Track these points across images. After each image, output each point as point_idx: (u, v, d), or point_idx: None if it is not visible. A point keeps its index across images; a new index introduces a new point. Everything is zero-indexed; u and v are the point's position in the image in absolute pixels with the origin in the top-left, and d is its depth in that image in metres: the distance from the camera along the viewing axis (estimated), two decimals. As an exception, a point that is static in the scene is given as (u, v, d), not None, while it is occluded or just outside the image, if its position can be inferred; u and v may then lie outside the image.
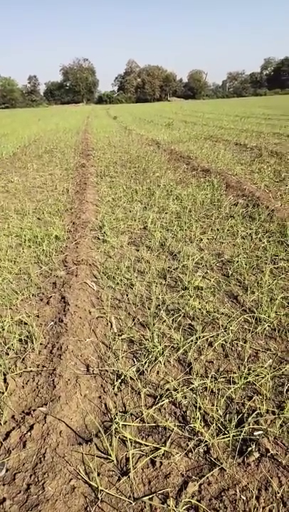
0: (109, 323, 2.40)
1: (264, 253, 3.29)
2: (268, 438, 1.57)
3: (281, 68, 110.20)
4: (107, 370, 1.98)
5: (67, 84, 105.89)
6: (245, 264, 3.09)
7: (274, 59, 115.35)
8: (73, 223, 4.28)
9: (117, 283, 2.91)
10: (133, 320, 2.45)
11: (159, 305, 2.61)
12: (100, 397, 1.81)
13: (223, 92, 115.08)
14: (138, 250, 3.54)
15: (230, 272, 3.00)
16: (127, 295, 2.76)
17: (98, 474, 1.43)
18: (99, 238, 3.85)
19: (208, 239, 3.71)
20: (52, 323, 2.36)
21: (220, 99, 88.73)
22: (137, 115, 28.42)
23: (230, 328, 2.29)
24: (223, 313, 2.47)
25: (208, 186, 5.58)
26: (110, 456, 1.50)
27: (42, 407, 1.71)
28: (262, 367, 1.97)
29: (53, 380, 1.84)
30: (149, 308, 2.56)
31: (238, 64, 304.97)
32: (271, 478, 1.41)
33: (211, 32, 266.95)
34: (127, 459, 1.50)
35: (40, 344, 2.19)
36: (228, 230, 3.89)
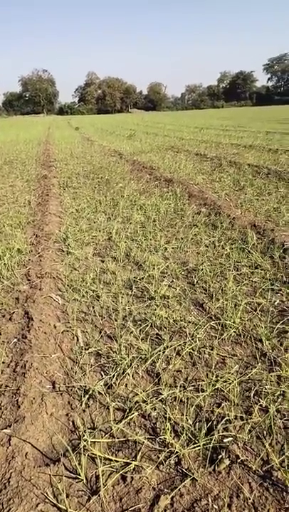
0: (75, 337, 2.35)
1: (227, 260, 3.36)
2: (238, 444, 1.58)
3: (236, 81, 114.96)
4: (74, 386, 1.93)
5: (27, 95, 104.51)
6: (210, 272, 3.14)
7: (229, 72, 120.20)
8: (36, 236, 4.18)
9: (83, 295, 2.86)
10: (100, 332, 2.41)
11: (126, 316, 2.59)
12: (67, 414, 1.75)
13: (182, 104, 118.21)
14: (103, 261, 3.51)
15: (196, 280, 3.04)
16: (93, 307, 2.72)
17: (67, 495, 1.38)
18: (63, 250, 3.79)
19: (172, 248, 3.75)
20: (15, 340, 2.28)
21: (180, 111, 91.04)
22: (99, 126, 28.52)
23: (198, 336, 2.31)
24: (189, 322, 2.49)
25: (171, 196, 5.67)
26: (79, 475, 1.45)
27: (6, 428, 1.63)
28: (229, 373, 1.99)
29: (17, 400, 1.77)
30: (116, 320, 2.53)
31: (195, 77, 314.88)
32: (242, 484, 1.42)
33: (168, 44, 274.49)
34: (97, 477, 1.46)
35: (3, 363, 2.10)
36: (192, 239, 3.96)
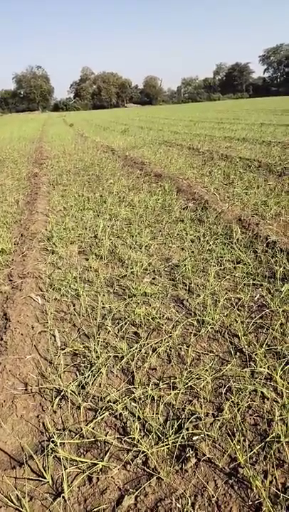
0: (52, 338, 2.34)
1: (210, 255, 3.35)
2: (206, 442, 1.58)
3: (232, 73, 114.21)
4: (47, 387, 1.93)
5: (22, 92, 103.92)
6: (192, 268, 3.13)
7: (225, 64, 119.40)
8: (22, 235, 4.17)
9: (63, 294, 2.85)
10: (78, 332, 2.41)
11: (105, 314, 2.58)
12: (37, 416, 1.75)
13: (178, 98, 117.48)
14: (87, 259, 3.50)
15: (178, 277, 3.03)
16: (74, 306, 2.71)
17: (31, 498, 1.38)
18: (47, 249, 3.77)
19: (157, 244, 3.73)
20: (-8, 341, 2.27)
21: (176, 105, 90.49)
22: (94, 122, 28.37)
23: (175, 333, 2.31)
24: (168, 319, 2.48)
25: (160, 191, 5.64)
26: (45, 477, 1.45)
27: (-25, 432, 1.63)
28: (203, 370, 1.99)
29: (-11, 403, 1.76)
30: (95, 319, 2.53)
31: (191, 70, 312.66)
32: (207, 482, 1.42)
33: (164, 38, 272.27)
34: (63, 479, 1.46)
35: (-22, 365, 2.10)
36: (177, 234, 3.94)
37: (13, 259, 3.52)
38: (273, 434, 1.58)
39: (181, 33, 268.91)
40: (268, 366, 1.97)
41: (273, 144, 9.48)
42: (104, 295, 2.82)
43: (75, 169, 8.11)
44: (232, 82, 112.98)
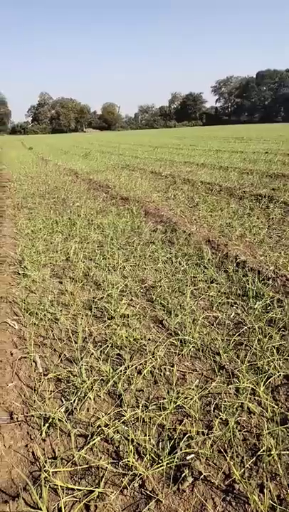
0: (33, 364, 2.28)
1: (184, 276, 3.44)
2: (200, 460, 1.60)
3: (186, 102, 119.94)
4: (33, 415, 1.86)
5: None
6: (168, 288, 3.20)
7: (180, 93, 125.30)
8: (-10, 259, 4.05)
9: (41, 319, 2.79)
10: (59, 356, 2.36)
11: (86, 338, 2.56)
12: (26, 445, 1.69)
13: (136, 124, 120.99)
14: (61, 282, 3.46)
15: (154, 297, 3.07)
16: (52, 331, 2.66)
17: (28, 534, 1.32)
18: (19, 273, 3.69)
19: (131, 266, 3.77)
20: None
21: (133, 131, 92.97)
22: (54, 146, 28.41)
23: (158, 353, 2.33)
24: (150, 339, 2.50)
25: (128, 214, 5.73)
26: (41, 509, 1.39)
27: None
28: (190, 388, 2.02)
29: (-28, 435, 1.67)
30: (75, 342, 2.49)
31: (147, 97, 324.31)
32: (206, 501, 1.43)
33: (121, 65, 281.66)
34: (60, 509, 1.41)
35: None
36: (149, 256, 4.01)
37: (-17, 284, 3.40)
38: (264, 448, 1.63)
39: (137, 61, 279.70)
40: (251, 382, 2.04)
41: (230, 169, 9.98)
42: (82, 318, 2.80)
43: (39, 192, 8.04)
44: (186, 111, 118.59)
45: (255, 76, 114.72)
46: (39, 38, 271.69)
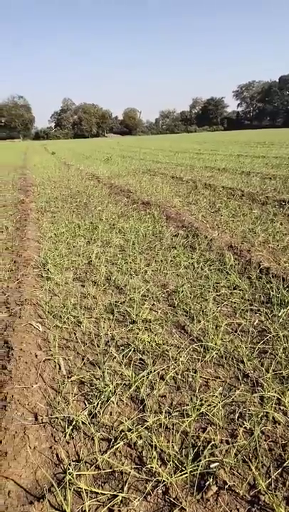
0: (57, 366, 2.31)
1: (206, 281, 3.41)
2: (224, 469, 1.58)
3: (208, 107, 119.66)
4: (57, 417, 1.88)
5: (2, 121, 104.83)
6: (190, 294, 3.18)
7: (201, 98, 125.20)
8: (14, 262, 4.13)
9: (64, 322, 2.83)
10: (82, 359, 2.38)
11: (108, 341, 2.57)
12: (50, 447, 1.71)
13: (156, 129, 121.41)
14: (84, 286, 3.49)
15: (176, 302, 3.06)
16: (75, 334, 2.69)
17: (53, 535, 1.33)
18: (42, 276, 3.75)
19: (152, 270, 3.78)
20: (-6, 371, 2.21)
21: (154, 136, 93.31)
22: (76, 151, 28.83)
23: (180, 359, 2.32)
24: (172, 345, 2.50)
25: (149, 218, 5.75)
26: (65, 511, 1.40)
27: (-14, 466, 1.56)
28: (213, 396, 2.00)
29: (-2, 435, 1.71)
30: (98, 346, 2.51)
31: (168, 102, 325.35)
32: (230, 511, 1.41)
33: (143, 70, 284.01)
34: (84, 513, 1.41)
35: (-18, 396, 2.03)
36: (171, 261, 4.00)
37: (8, 286, 3.47)
38: (290, 459, 1.60)
39: (159, 66, 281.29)
40: (276, 391, 2.00)
41: (252, 174, 9.88)
42: (105, 322, 2.82)
43: (62, 196, 8.17)
44: (208, 116, 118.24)
45: (277, 80, 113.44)
46: (63, 44, 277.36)
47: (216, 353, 2.38)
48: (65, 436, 1.76)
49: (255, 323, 2.71)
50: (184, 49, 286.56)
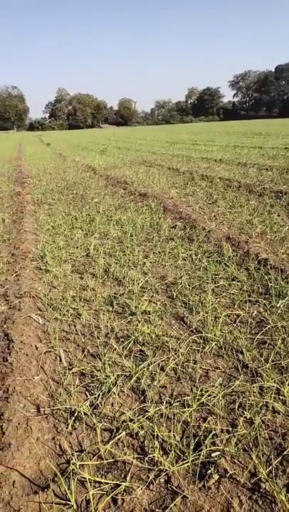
0: (58, 358, 2.32)
1: (205, 273, 3.43)
2: (225, 458, 1.60)
3: (204, 97, 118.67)
4: (59, 409, 1.90)
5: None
6: (189, 285, 3.19)
7: (196, 88, 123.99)
8: (12, 254, 4.12)
9: (64, 314, 2.83)
10: (83, 351, 2.40)
11: (108, 333, 2.58)
12: (53, 438, 1.72)
13: (152, 120, 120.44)
14: (82, 278, 3.49)
15: (175, 294, 3.07)
16: (75, 326, 2.69)
17: (58, 524, 1.35)
18: (41, 268, 3.74)
19: (150, 262, 3.78)
20: (-5, 363, 2.22)
21: (150, 126, 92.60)
22: (71, 142, 28.57)
23: (180, 350, 2.33)
24: (171, 336, 2.51)
25: (147, 210, 5.73)
26: (70, 500, 1.42)
27: (-10, 458, 1.58)
28: (213, 386, 2.02)
29: (1, 426, 1.72)
30: (98, 338, 2.52)
31: (164, 93, 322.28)
32: (232, 498, 1.44)
33: (138, 60, 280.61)
34: (88, 501, 1.43)
35: (-16, 388, 2.04)
36: (169, 253, 4.01)
37: (6, 279, 3.46)
38: (290, 447, 1.62)
39: (154, 56, 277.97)
40: (275, 381, 2.03)
41: (249, 165, 9.86)
42: (104, 314, 2.82)
43: (58, 188, 8.12)
44: (203, 106, 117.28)
45: (274, 70, 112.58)
46: (58, 35, 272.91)
47: (216, 344, 2.40)
48: (67, 427, 1.78)
49: (253, 314, 2.73)
50: (179, 39, 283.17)
